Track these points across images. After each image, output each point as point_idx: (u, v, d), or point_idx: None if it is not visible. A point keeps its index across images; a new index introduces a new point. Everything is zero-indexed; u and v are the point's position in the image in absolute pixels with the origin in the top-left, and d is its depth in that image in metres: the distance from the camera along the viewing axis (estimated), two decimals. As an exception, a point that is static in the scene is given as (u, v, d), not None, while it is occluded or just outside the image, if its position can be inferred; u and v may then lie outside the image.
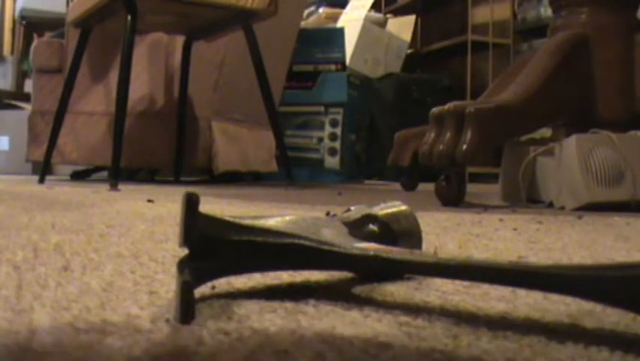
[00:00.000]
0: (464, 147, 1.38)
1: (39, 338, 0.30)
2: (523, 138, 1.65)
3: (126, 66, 2.01)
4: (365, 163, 3.74)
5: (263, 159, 2.98)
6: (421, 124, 2.02)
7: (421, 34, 4.91)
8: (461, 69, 4.27)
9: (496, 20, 4.29)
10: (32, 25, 4.72)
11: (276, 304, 0.38)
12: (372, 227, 0.47)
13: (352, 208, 0.49)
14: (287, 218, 0.42)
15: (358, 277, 0.46)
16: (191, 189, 0.40)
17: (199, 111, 2.66)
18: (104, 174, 3.07)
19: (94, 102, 2.71)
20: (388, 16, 4.67)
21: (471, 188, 1.92)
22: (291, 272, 0.47)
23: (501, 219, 1.06)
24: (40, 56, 2.83)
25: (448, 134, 1.42)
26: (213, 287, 0.41)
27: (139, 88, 2.61)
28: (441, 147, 1.42)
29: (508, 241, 0.76)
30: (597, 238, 0.81)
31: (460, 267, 0.36)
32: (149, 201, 1.36)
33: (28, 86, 3.96)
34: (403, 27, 4.46)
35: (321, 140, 3.35)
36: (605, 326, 0.34)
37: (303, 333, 0.32)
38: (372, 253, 0.39)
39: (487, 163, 2.68)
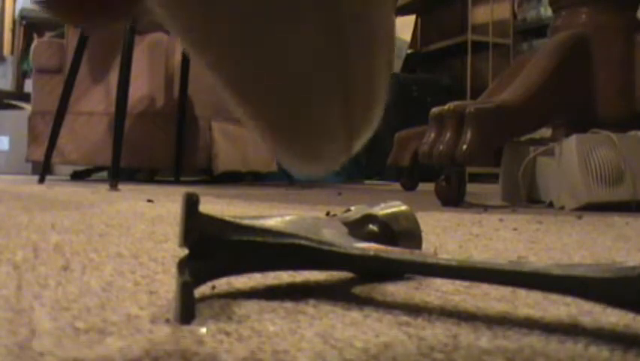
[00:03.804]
0: (464, 147, 1.38)
1: (39, 338, 0.30)
2: (523, 138, 1.65)
3: (126, 66, 2.01)
4: (365, 163, 3.74)
5: (263, 159, 2.98)
6: (421, 124, 2.02)
7: (420, 34, 4.91)
8: (461, 69, 4.27)
9: (496, 20, 4.29)
10: (32, 25, 4.72)
11: (276, 304, 0.38)
12: (372, 227, 0.47)
13: (352, 208, 0.49)
14: (287, 218, 0.42)
15: (358, 277, 0.46)
16: (191, 189, 0.40)
17: (199, 111, 2.66)
18: (104, 174, 3.06)
19: (94, 102, 2.71)
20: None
21: (471, 188, 1.93)
22: (291, 272, 0.47)
23: (501, 219, 1.06)
24: (40, 56, 2.83)
25: (448, 135, 1.42)
26: (213, 287, 0.41)
27: (139, 88, 2.61)
28: (441, 147, 1.42)
29: (508, 241, 0.76)
30: (597, 238, 0.81)
31: (460, 267, 0.36)
32: (149, 201, 1.36)
33: (28, 86, 3.96)
34: (402, 27, 4.46)
35: (321, 140, 3.34)
36: (604, 326, 0.34)
37: (303, 333, 0.32)
38: (372, 253, 0.39)
39: (487, 163, 2.68)
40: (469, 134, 1.38)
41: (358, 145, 0.23)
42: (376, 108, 0.23)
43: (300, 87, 0.20)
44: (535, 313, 0.37)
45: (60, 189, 1.88)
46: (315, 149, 0.22)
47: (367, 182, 3.56)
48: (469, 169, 3.59)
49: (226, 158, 2.66)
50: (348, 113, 0.22)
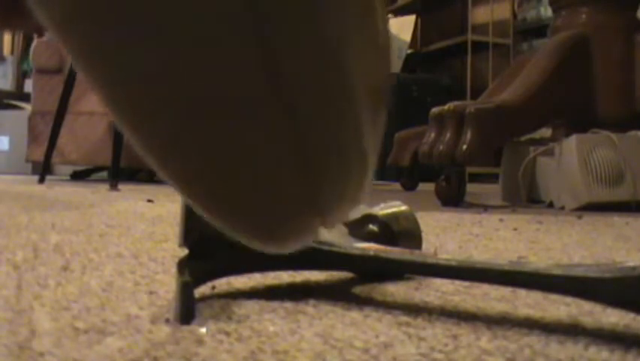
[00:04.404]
0: (464, 147, 1.38)
1: (39, 338, 0.30)
2: (523, 138, 1.65)
3: (126, 66, 2.01)
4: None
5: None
6: (421, 124, 2.02)
7: (420, 34, 4.91)
8: (461, 69, 4.26)
9: (496, 20, 4.29)
10: (32, 25, 4.72)
11: (276, 304, 0.38)
12: (372, 227, 0.47)
13: (352, 208, 0.49)
14: (287, 218, 0.42)
15: (358, 277, 0.46)
16: (191, 189, 0.40)
17: (199, 111, 2.66)
18: (104, 174, 3.06)
19: (94, 102, 2.70)
20: (388, 16, 4.66)
21: (471, 188, 1.93)
22: (291, 272, 0.47)
23: (501, 219, 1.06)
24: (40, 56, 2.82)
25: (448, 135, 1.42)
26: (213, 287, 0.41)
27: (139, 88, 2.60)
28: (441, 147, 1.42)
29: (508, 241, 0.76)
30: (597, 238, 0.81)
31: (460, 267, 0.36)
32: (149, 201, 1.36)
33: (28, 86, 3.96)
34: (402, 27, 4.46)
35: (321, 140, 3.34)
36: (604, 326, 0.34)
37: (303, 333, 0.32)
38: (372, 253, 0.39)
39: (487, 163, 2.68)
40: (469, 135, 1.38)
41: (336, 219, 0.19)
42: (353, 181, 0.18)
43: (240, 157, 0.16)
44: (535, 313, 0.37)
45: (60, 189, 1.88)
46: (272, 227, 0.18)
47: (367, 182, 3.55)
48: (469, 169, 3.59)
49: (226, 158, 2.65)
50: (313, 187, 0.17)
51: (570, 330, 0.33)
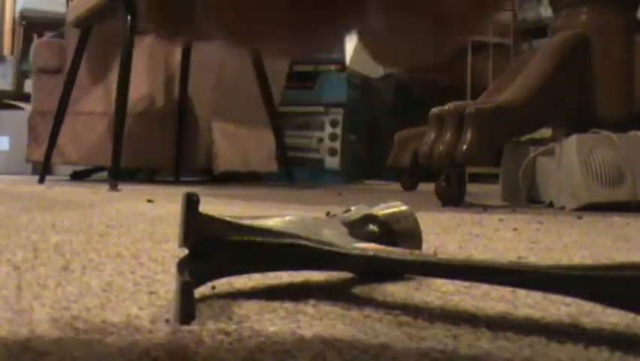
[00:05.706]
0: (464, 147, 1.38)
1: (39, 338, 0.30)
2: (523, 138, 1.65)
3: (126, 66, 2.01)
4: (365, 163, 3.74)
5: (263, 159, 2.97)
6: (421, 124, 2.02)
7: (421, 34, 4.90)
8: (461, 69, 4.26)
9: (496, 20, 4.29)
10: (32, 25, 4.72)
11: (276, 304, 0.38)
12: (372, 227, 0.47)
13: (352, 208, 0.49)
14: (287, 218, 0.42)
15: (358, 277, 0.46)
16: (191, 189, 0.40)
17: (199, 111, 2.66)
18: (104, 174, 3.06)
19: (94, 102, 2.70)
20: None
21: (471, 188, 1.92)
22: (291, 272, 0.47)
23: (501, 219, 1.06)
24: (40, 56, 2.82)
25: (448, 135, 1.42)
26: (213, 287, 0.41)
27: (139, 88, 2.60)
28: (441, 147, 1.42)
29: (508, 241, 0.76)
30: (597, 238, 0.81)
31: (460, 267, 0.36)
32: (149, 201, 1.36)
33: (28, 86, 3.96)
34: (403, 27, 4.45)
35: (321, 140, 3.34)
36: (605, 326, 0.34)
37: (303, 333, 0.32)
38: (372, 253, 0.40)
39: (487, 163, 2.68)
40: (469, 135, 1.38)
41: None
42: None
43: None
44: (535, 313, 0.37)
45: (60, 189, 1.88)
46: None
47: (367, 182, 3.56)
48: (469, 169, 3.58)
49: (226, 158, 2.65)
50: None
51: (570, 330, 0.33)
